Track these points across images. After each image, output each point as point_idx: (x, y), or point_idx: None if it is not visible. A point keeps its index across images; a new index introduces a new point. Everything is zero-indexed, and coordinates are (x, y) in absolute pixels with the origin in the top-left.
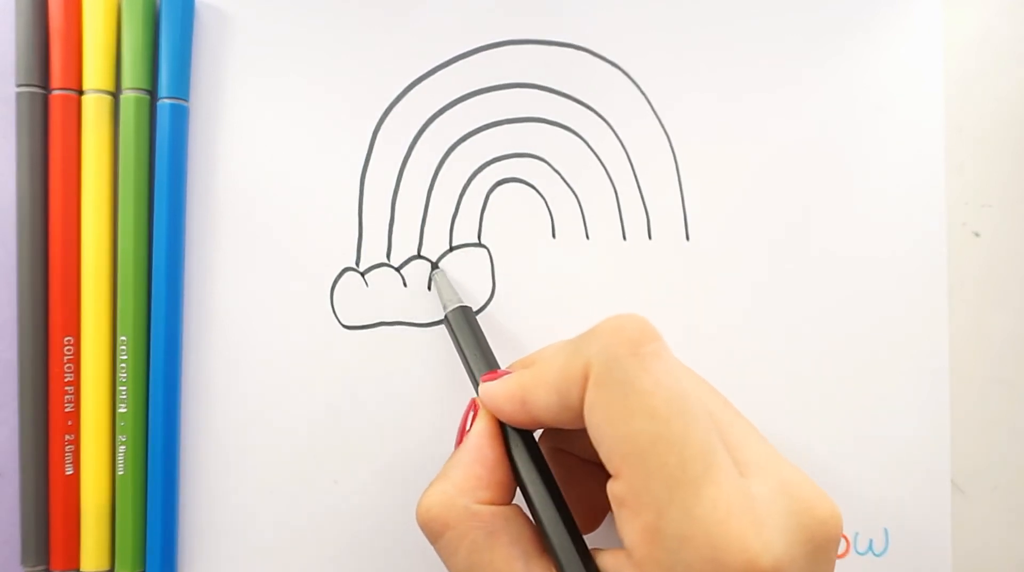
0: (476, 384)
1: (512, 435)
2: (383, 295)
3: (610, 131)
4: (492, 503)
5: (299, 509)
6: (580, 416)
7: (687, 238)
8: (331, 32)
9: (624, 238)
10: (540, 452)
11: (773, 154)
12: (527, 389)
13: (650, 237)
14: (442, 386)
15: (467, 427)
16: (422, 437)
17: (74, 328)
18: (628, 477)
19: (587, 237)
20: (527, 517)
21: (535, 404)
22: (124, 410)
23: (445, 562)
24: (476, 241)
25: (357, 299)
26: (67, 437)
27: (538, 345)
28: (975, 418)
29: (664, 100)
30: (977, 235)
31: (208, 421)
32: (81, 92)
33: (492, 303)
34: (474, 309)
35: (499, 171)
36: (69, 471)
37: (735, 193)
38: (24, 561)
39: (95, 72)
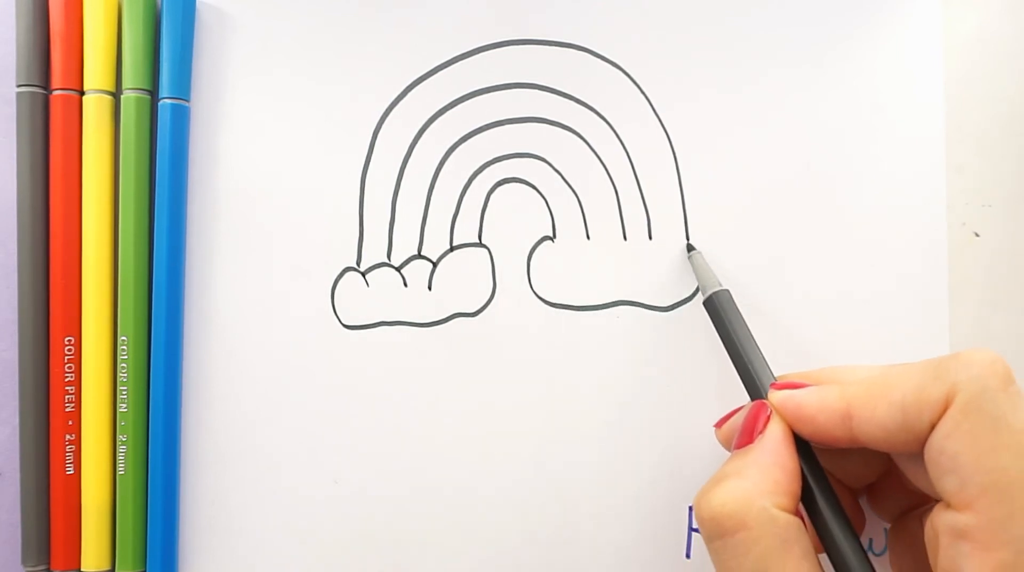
0: (752, 381)
1: (802, 447)
2: (383, 295)
3: (610, 131)
4: (787, 511)
5: (299, 509)
6: (919, 440)
7: (687, 238)
8: (332, 32)
9: (624, 238)
10: (823, 470)
11: (773, 154)
12: (856, 405)
13: (650, 237)
14: (442, 386)
15: (757, 429)
16: (422, 437)
17: (75, 328)
18: (985, 510)
19: (587, 237)
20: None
21: (867, 421)
22: (124, 410)
23: (725, 562)
24: (476, 241)
25: (357, 299)
26: (67, 437)
27: (539, 345)
28: None
29: (664, 100)
30: (977, 235)
31: (208, 421)
32: (82, 92)
33: (492, 303)
34: (474, 310)
35: (499, 171)
36: (70, 471)
37: (735, 193)
38: (25, 561)
39: (96, 72)
